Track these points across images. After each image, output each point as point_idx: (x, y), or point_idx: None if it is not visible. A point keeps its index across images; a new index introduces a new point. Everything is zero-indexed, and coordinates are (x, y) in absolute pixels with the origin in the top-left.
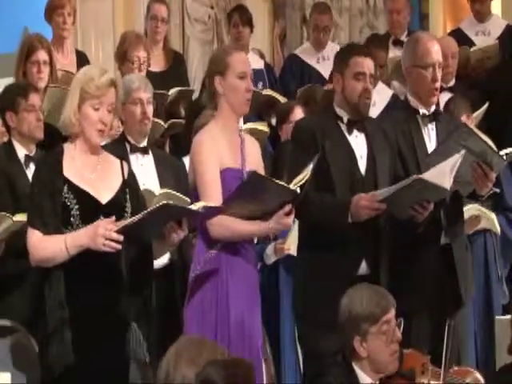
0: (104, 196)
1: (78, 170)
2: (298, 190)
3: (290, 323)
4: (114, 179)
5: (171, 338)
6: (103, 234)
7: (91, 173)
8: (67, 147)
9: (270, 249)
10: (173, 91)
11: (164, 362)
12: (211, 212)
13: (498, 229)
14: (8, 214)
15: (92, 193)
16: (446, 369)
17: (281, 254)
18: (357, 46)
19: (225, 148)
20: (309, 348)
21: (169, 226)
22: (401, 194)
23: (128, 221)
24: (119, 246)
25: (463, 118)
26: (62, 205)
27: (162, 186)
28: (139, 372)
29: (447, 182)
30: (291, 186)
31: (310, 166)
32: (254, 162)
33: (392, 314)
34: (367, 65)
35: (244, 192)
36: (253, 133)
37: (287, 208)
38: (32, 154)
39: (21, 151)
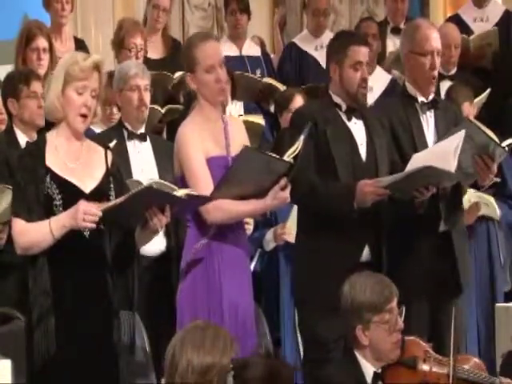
0: (88, 185)
1: (61, 159)
2: (292, 161)
3: (290, 310)
4: (97, 168)
5: (167, 325)
6: (83, 210)
7: (74, 161)
8: (50, 135)
9: (269, 235)
10: (178, 74)
11: (170, 347)
12: (197, 201)
13: (498, 212)
14: (8, 186)
15: (75, 182)
16: (454, 356)
17: (280, 240)
18: (352, 34)
19: (208, 137)
20: (309, 334)
21: (150, 211)
22: (406, 179)
23: (111, 203)
24: (96, 219)
25: (465, 106)
26: (44, 195)
27: (160, 172)
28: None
29: (452, 165)
30: (284, 158)
31: (302, 137)
32: (240, 145)
33: (395, 303)
34: (363, 53)
35: (236, 169)
36: (248, 126)
37: (282, 182)
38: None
39: (22, 138)
